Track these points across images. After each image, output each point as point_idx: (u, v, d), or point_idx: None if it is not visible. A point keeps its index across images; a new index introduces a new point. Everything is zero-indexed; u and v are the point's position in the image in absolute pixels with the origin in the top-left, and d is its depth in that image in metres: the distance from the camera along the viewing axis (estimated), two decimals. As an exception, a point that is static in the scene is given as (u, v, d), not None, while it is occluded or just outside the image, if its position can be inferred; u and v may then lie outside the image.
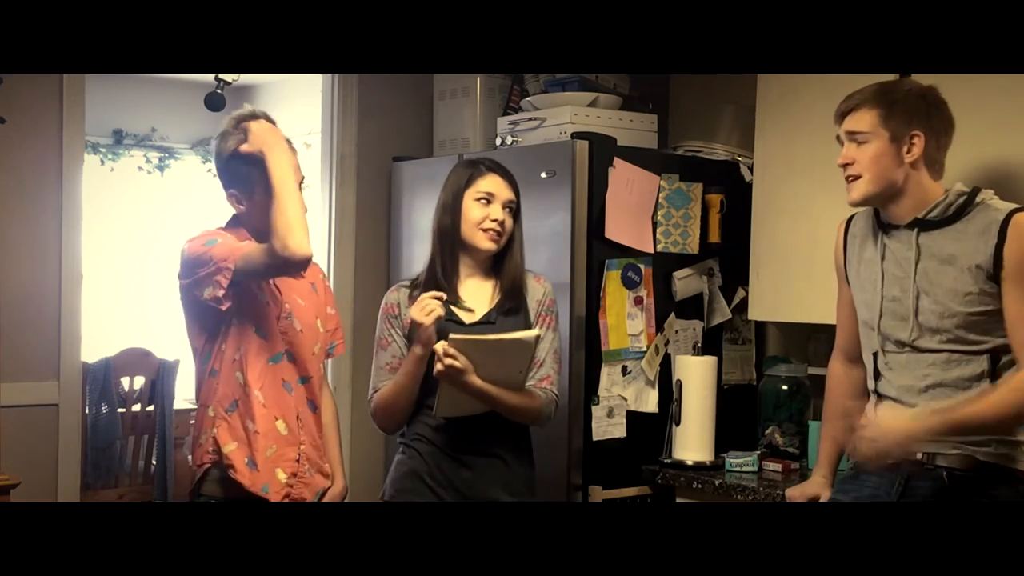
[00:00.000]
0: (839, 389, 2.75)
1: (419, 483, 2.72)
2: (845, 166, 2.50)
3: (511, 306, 2.75)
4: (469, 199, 2.73)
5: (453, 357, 2.55)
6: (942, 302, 2.43)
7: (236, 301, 2.61)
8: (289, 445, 2.68)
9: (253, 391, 2.64)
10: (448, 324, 2.67)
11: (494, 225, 2.72)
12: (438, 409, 2.66)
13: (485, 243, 2.73)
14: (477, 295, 2.77)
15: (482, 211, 2.72)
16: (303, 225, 2.55)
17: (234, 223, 2.75)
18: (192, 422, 2.78)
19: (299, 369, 2.74)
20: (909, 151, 2.44)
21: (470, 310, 2.74)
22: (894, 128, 2.44)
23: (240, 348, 2.65)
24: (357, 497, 4.06)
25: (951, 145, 2.51)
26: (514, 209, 2.77)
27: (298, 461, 2.69)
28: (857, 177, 2.48)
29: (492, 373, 2.60)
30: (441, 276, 2.74)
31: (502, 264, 2.77)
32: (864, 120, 2.46)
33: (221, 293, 2.56)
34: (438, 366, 2.56)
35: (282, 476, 2.67)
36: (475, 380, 2.59)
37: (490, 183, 2.74)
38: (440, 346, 2.56)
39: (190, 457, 2.76)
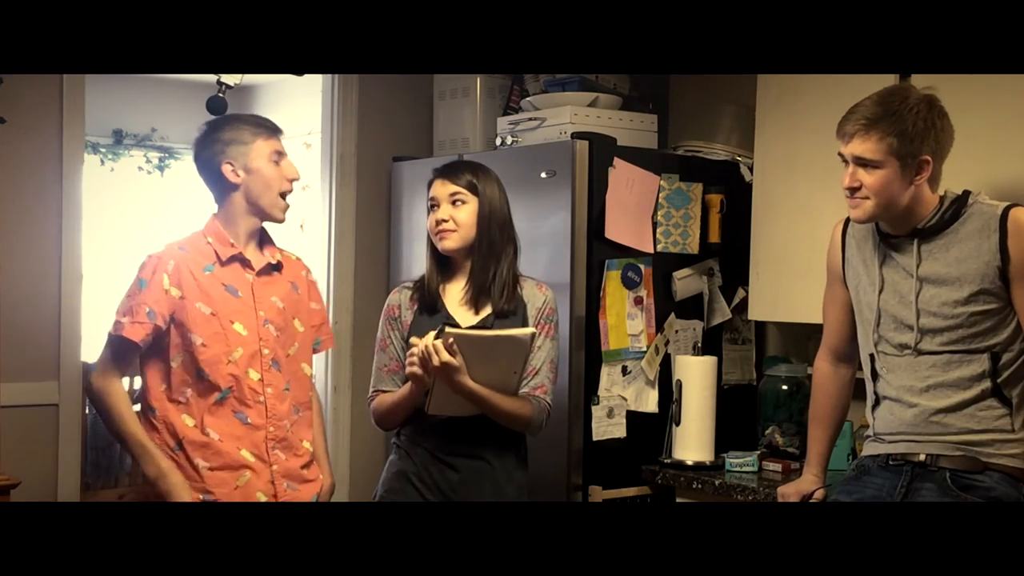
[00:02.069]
0: (825, 390, 2.77)
1: (407, 484, 2.73)
2: (851, 189, 2.46)
3: (508, 308, 2.74)
4: (426, 210, 2.81)
5: (451, 353, 2.56)
6: (945, 304, 2.43)
7: (160, 341, 2.67)
8: (263, 468, 2.68)
9: (207, 429, 2.65)
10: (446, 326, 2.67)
11: (439, 226, 2.75)
12: (429, 407, 2.66)
13: (441, 244, 2.77)
14: (467, 300, 2.78)
15: (432, 217, 2.78)
16: None
17: (226, 203, 2.72)
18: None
19: (285, 375, 2.73)
20: (919, 174, 2.42)
21: (457, 311, 2.76)
22: (905, 156, 2.40)
23: (182, 390, 2.68)
24: (356, 497, 4.07)
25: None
26: (464, 195, 2.74)
27: (273, 483, 2.69)
28: (864, 198, 2.45)
29: (486, 372, 2.61)
30: (428, 283, 2.80)
31: (484, 264, 2.75)
32: (875, 148, 2.40)
33: (143, 336, 2.66)
34: (434, 361, 2.55)
35: (263, 499, 2.67)
36: (468, 381, 2.59)
37: (434, 189, 2.79)
38: (436, 341, 2.56)
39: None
